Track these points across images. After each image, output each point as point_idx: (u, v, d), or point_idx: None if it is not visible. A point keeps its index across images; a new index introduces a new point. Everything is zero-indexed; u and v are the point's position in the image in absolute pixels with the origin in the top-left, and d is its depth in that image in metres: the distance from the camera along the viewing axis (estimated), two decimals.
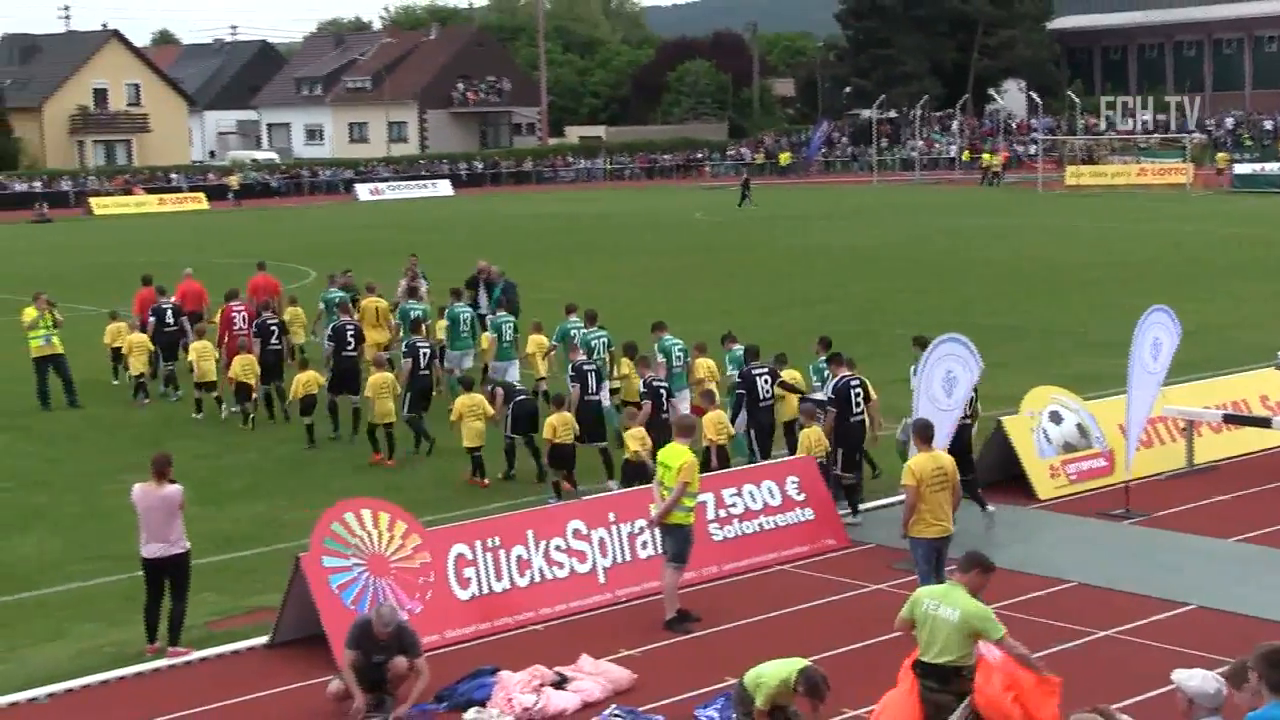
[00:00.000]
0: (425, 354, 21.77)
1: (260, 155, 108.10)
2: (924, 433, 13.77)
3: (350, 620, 12.64)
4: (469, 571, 14.16)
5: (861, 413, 17.45)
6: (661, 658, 13.26)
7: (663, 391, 19.12)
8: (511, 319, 24.04)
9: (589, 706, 12.11)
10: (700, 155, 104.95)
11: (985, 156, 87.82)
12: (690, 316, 33.69)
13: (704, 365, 20.69)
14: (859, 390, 17.49)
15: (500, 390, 20.13)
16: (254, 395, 23.76)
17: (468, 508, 17.72)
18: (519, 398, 19.71)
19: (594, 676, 12.50)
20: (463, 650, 13.46)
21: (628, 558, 15.07)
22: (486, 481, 19.46)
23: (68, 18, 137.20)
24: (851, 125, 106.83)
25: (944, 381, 15.90)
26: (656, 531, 14.50)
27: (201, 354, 24.16)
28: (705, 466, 16.82)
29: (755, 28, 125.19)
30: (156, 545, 13.38)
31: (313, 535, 13.60)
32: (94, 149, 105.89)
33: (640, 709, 11.97)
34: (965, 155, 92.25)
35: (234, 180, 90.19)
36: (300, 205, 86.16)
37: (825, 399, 17.92)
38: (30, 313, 25.63)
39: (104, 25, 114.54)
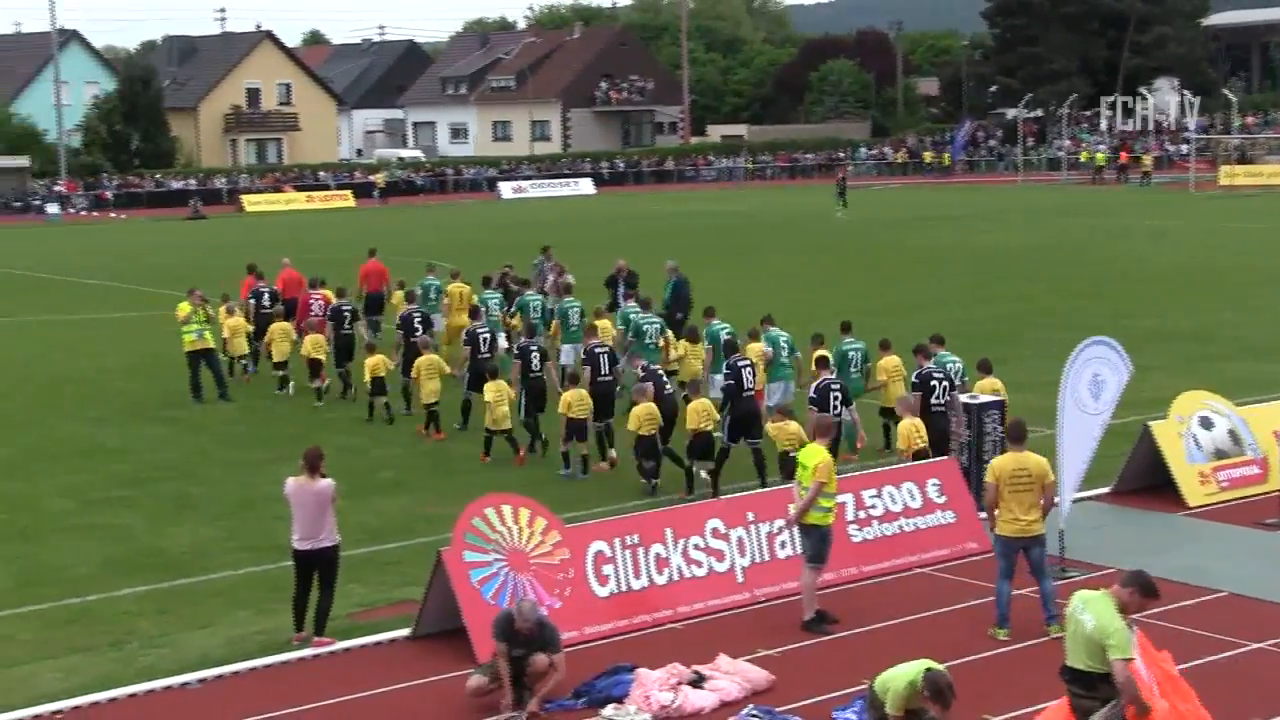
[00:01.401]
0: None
1: (406, 154, 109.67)
2: (1014, 431, 13.87)
3: (490, 614, 12.79)
4: (608, 569, 14.23)
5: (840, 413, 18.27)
6: (799, 658, 13.21)
7: (661, 373, 20.34)
8: (578, 304, 25.18)
9: (726, 706, 12.10)
10: (842, 154, 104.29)
11: (1098, 156, 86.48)
12: (828, 316, 33.51)
13: (755, 350, 21.01)
14: (838, 392, 18.43)
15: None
16: (324, 375, 25.42)
17: (607, 505, 17.81)
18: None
19: (731, 676, 12.49)
20: (601, 647, 13.53)
21: (766, 557, 15.03)
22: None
23: (224, 20, 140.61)
24: (996, 124, 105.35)
25: (1090, 385, 15.65)
26: (795, 531, 14.46)
27: (279, 335, 26.16)
28: (699, 454, 18.56)
29: (900, 26, 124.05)
30: (307, 538, 13.62)
31: (454, 530, 13.77)
32: (246, 147, 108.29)
33: (778, 709, 11.94)
34: (1083, 156, 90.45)
35: (380, 178, 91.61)
36: (444, 203, 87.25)
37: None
38: (184, 308, 26.26)
39: (257, 26, 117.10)
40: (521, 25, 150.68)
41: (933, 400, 18.00)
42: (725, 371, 19.47)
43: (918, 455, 16.92)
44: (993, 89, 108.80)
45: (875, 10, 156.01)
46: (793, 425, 17.83)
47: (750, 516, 15.14)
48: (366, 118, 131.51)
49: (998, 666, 12.90)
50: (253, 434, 23.40)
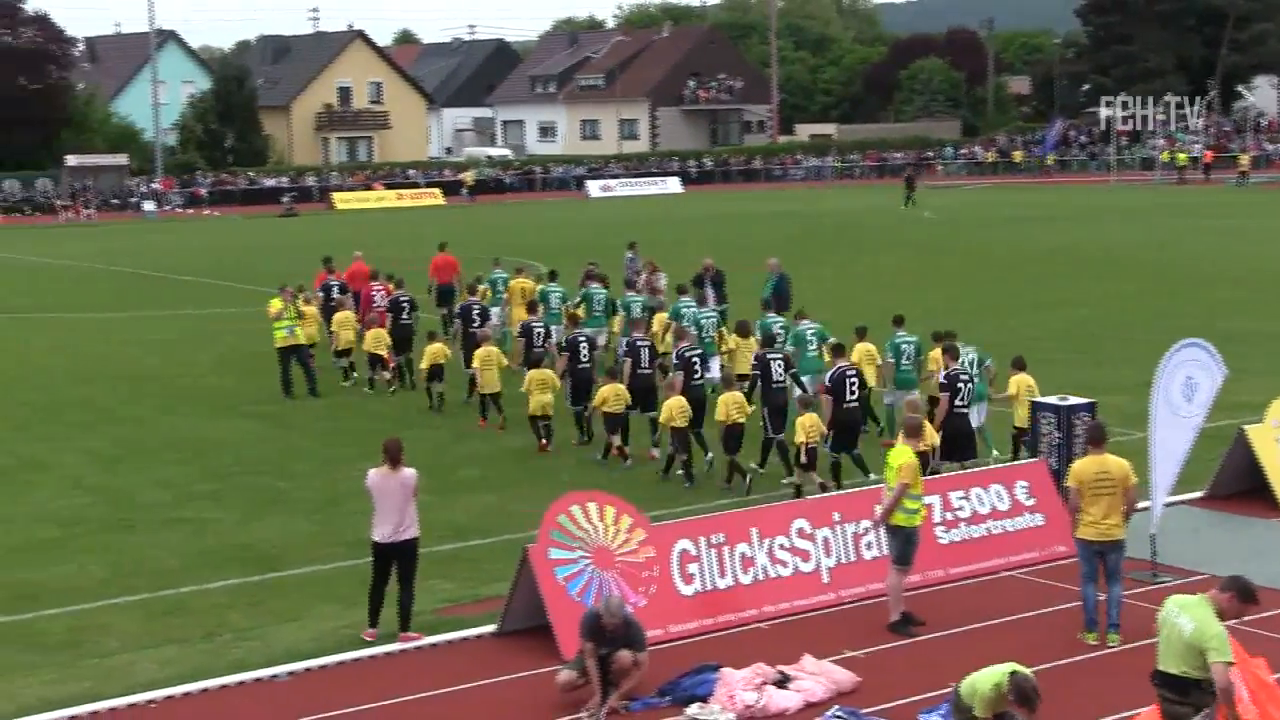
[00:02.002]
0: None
1: (494, 152, 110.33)
2: (1094, 435, 13.74)
3: (575, 611, 12.83)
4: (693, 567, 14.23)
5: (855, 400, 18.78)
6: (885, 660, 13.14)
7: (695, 360, 20.26)
8: (639, 299, 26.01)
9: (811, 707, 12.07)
10: (932, 154, 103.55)
11: (1180, 156, 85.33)
12: (920, 318, 33.33)
13: (861, 350, 21.43)
14: (854, 379, 18.81)
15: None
16: (389, 364, 26.42)
17: (693, 504, 17.81)
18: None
19: (816, 676, 12.45)
20: (685, 646, 13.54)
21: (852, 558, 14.96)
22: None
23: (316, 19, 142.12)
24: (1088, 124, 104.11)
25: (1183, 387, 15.43)
26: (882, 532, 14.40)
27: (341, 324, 27.28)
28: (730, 444, 18.86)
29: (991, 25, 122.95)
30: (389, 528, 13.68)
31: (540, 527, 13.84)
32: (337, 145, 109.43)
33: (863, 711, 11.89)
34: (1164, 156, 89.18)
35: (469, 177, 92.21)
36: (532, 201, 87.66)
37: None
38: (276, 304, 26.60)
39: (349, 26, 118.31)
40: (611, 24, 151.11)
41: (957, 402, 18.05)
42: (753, 364, 20.26)
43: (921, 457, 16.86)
44: (1085, 87, 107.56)
45: (966, 8, 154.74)
46: (811, 418, 18.15)
47: (836, 517, 15.08)
48: (456, 116, 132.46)
49: (1086, 671, 12.76)
50: (342, 430, 23.65)
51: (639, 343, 21.54)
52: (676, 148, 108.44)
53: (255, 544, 17.37)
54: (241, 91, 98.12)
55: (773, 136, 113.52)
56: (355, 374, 27.33)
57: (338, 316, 27.49)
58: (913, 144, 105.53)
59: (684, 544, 14.27)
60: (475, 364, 23.41)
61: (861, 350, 21.34)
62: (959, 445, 18.03)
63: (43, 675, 13.28)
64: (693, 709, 11.99)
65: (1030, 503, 16.15)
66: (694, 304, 24.37)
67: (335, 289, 29.27)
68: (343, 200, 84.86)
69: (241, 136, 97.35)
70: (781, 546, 14.70)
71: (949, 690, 10.99)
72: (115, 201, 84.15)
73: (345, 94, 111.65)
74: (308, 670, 13.24)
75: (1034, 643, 13.29)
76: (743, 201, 79.66)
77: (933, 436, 17.36)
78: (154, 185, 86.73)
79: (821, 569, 14.79)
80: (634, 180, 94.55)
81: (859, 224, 61.37)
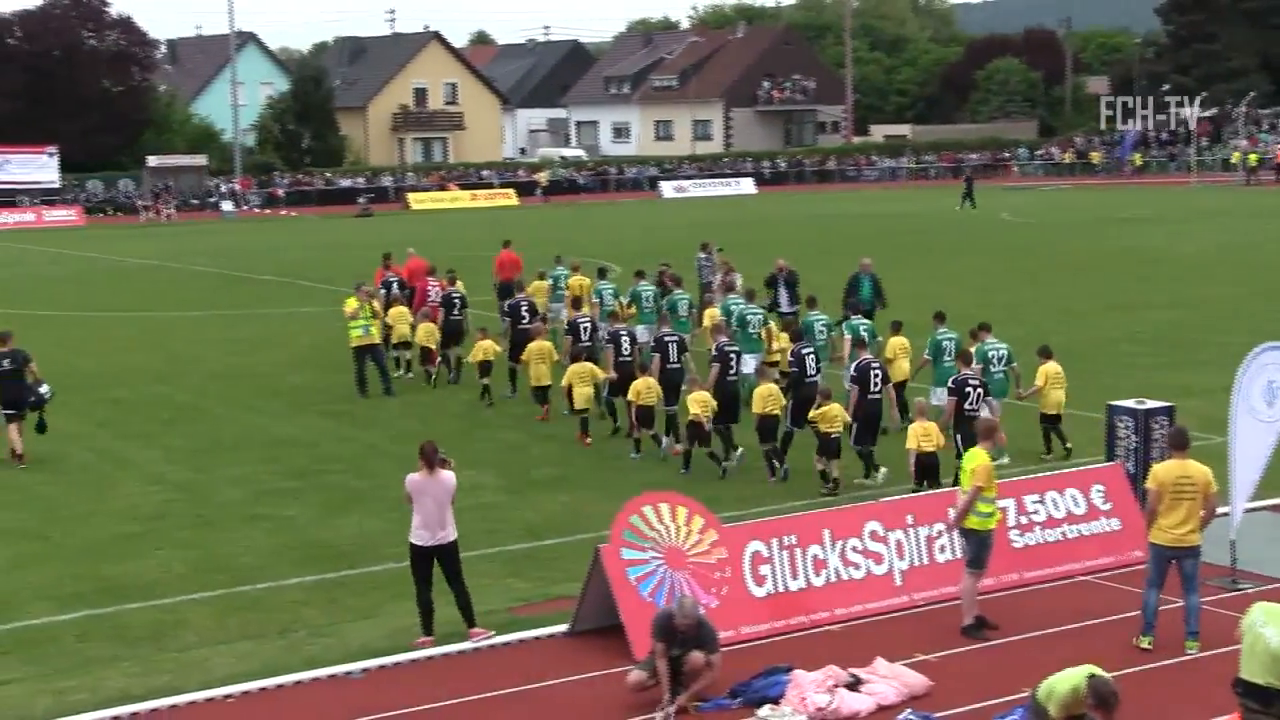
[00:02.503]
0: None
1: (568, 153, 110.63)
2: (1177, 439, 13.61)
3: (647, 612, 12.87)
4: (764, 569, 14.22)
5: (879, 392, 19.46)
6: (958, 664, 13.08)
7: (731, 355, 20.92)
8: (687, 296, 26.62)
9: (883, 710, 12.04)
10: (1007, 154, 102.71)
11: (1251, 157, 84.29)
12: (1002, 319, 33.10)
13: (895, 344, 22.13)
14: (878, 371, 19.46)
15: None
16: (436, 359, 27.28)
17: (765, 505, 17.80)
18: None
19: (889, 680, 12.42)
20: (757, 647, 13.54)
21: (925, 561, 14.90)
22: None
23: (393, 21, 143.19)
24: (1169, 124, 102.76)
25: (1265, 392, 15.22)
26: (956, 536, 14.33)
27: (396, 318, 28.07)
28: (765, 435, 19.54)
29: (1069, 24, 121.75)
30: (429, 531, 13.69)
31: (613, 527, 13.89)
32: (412, 146, 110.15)
33: (935, 715, 11.84)
34: (1234, 157, 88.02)
35: (543, 177, 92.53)
36: (606, 202, 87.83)
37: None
38: (352, 303, 26.83)
39: (425, 27, 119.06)
40: (685, 25, 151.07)
41: (967, 406, 18.40)
42: (790, 359, 20.83)
43: (921, 459, 17.59)
44: (1166, 87, 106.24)
45: (1044, 8, 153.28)
46: (835, 408, 18.92)
47: (909, 519, 15.03)
48: (530, 117, 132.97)
49: (1163, 680, 12.63)
50: (417, 429, 23.73)
51: (667, 338, 22.11)
52: (750, 148, 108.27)
53: (331, 541, 17.54)
54: (319, 92, 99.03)
55: (847, 137, 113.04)
56: (412, 368, 28.07)
57: (392, 311, 28.16)
58: (988, 145, 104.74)
59: (756, 545, 14.27)
60: (525, 356, 24.15)
61: (896, 344, 21.85)
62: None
63: (125, 668, 13.50)
64: (764, 711, 11.99)
65: (1106, 507, 16.01)
66: (743, 301, 24.68)
67: (395, 285, 29.82)
68: (417, 201, 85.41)
69: (318, 137, 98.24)
70: (854, 549, 14.66)
71: (1023, 695, 10.92)
72: (194, 201, 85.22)
73: (421, 95, 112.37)
74: (381, 668, 13.36)
75: (1109, 648, 13.16)
76: (817, 203, 79.42)
77: (930, 444, 17.70)
78: (232, 185, 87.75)
79: (894, 571, 14.74)
80: (707, 181, 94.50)
81: (936, 226, 60.99)
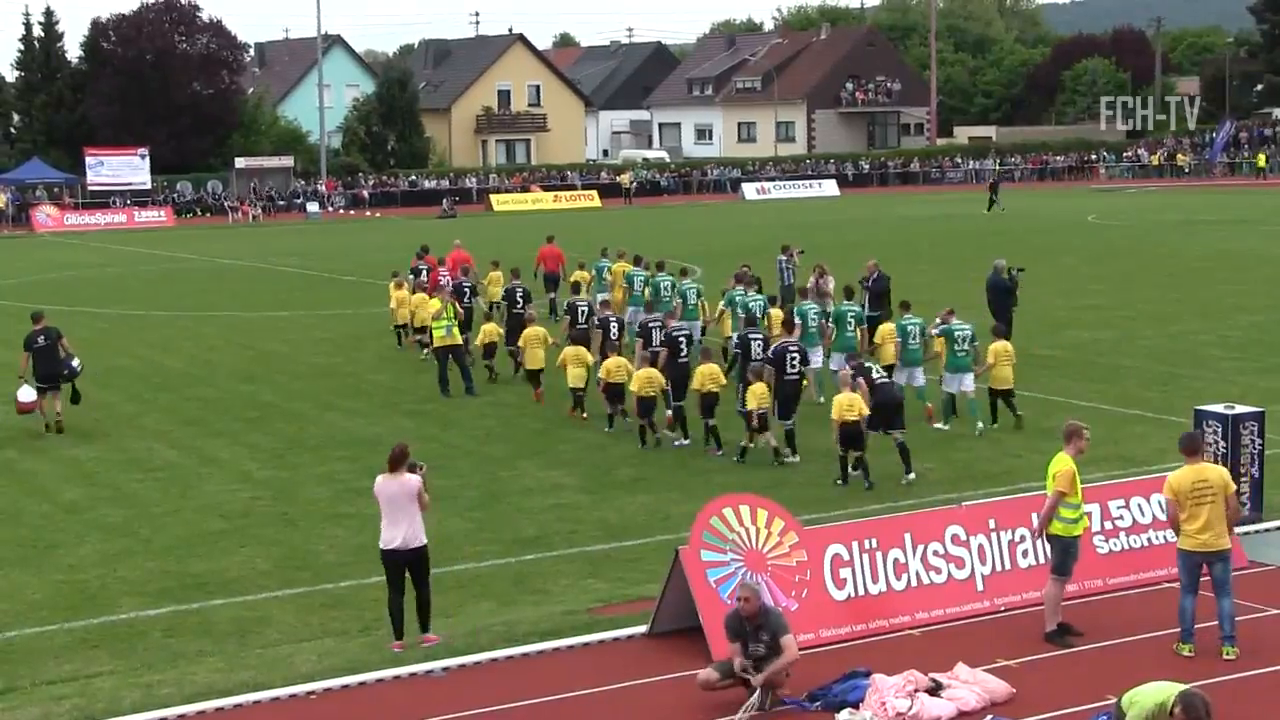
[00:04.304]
0: (794, 358, 21.29)
1: (651, 154, 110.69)
2: (1189, 445, 13.54)
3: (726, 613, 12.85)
4: (845, 572, 14.17)
5: (797, 373, 21.04)
6: (1040, 671, 12.96)
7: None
8: (759, 299, 26.65)
9: (964, 716, 11.95)
10: (1094, 156, 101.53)
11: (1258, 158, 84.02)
12: (1091, 322, 32.87)
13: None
14: (795, 354, 21.01)
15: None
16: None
17: (846, 508, 17.73)
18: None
19: (970, 685, 12.32)
20: (836, 651, 13.49)
21: (1007, 566, 14.77)
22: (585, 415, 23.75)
23: (477, 23, 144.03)
24: (1262, 125, 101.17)
25: None
26: (1040, 541, 14.20)
27: (417, 304, 30.07)
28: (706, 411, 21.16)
29: (1159, 24, 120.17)
30: (398, 536, 13.68)
31: (692, 529, 13.89)
32: (496, 148, 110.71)
33: None
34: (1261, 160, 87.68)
35: (626, 179, 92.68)
36: (688, 204, 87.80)
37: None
38: (435, 304, 27.10)
39: (510, 29, 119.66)
40: (769, 26, 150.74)
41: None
42: (769, 355, 21.70)
43: (847, 426, 18.90)
44: (1258, 87, 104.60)
45: (1132, 8, 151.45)
46: (759, 387, 20.34)
47: (991, 524, 14.91)
48: (613, 119, 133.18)
49: (1250, 690, 12.44)
50: (499, 429, 23.95)
51: (677, 332, 22.97)
52: (833, 150, 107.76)
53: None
54: (404, 94, 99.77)
55: (930, 139, 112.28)
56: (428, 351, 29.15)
57: (415, 297, 30.46)
58: (1073, 146, 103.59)
59: (836, 548, 14.22)
60: (521, 342, 26.14)
61: (998, 350, 22.64)
62: (887, 415, 19.65)
63: (211, 663, 13.69)
64: (844, 715, 11.94)
65: None
66: (743, 290, 26.57)
67: (424, 273, 32.49)
68: (500, 202, 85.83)
69: (403, 139, 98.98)
70: (935, 553, 14.57)
71: (1107, 703, 10.81)
72: (281, 203, 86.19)
73: (504, 97, 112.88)
74: (461, 667, 13.45)
75: (1193, 659, 13.01)
76: (899, 204, 78.92)
77: (864, 407, 19.07)
78: (318, 187, 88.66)
79: (976, 576, 14.63)
80: (790, 183, 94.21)
81: (1022, 227, 60.38)
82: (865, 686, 12.25)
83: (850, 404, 19.17)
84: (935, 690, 12.21)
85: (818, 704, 12.21)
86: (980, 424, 22.24)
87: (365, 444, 22.93)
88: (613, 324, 24.91)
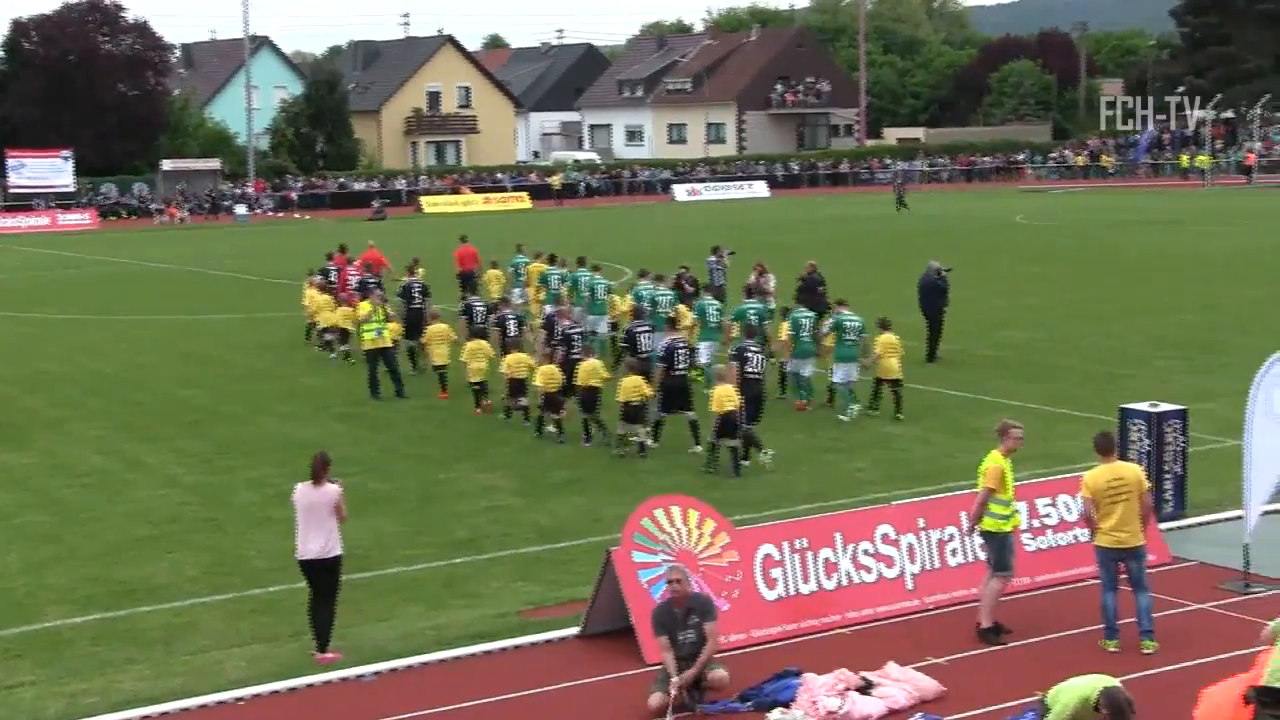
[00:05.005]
0: (681, 354, 21.74)
1: (582, 156, 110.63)
2: (1103, 443, 13.71)
3: None
4: (776, 572, 14.23)
5: (683, 369, 21.66)
6: (969, 668, 13.07)
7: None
8: (716, 302, 27.16)
9: (894, 714, 12.03)
10: (1021, 157, 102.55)
11: (1200, 159, 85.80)
12: (1026, 324, 33.17)
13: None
14: (683, 351, 21.72)
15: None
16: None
17: (777, 508, 17.80)
18: None
19: (900, 683, 12.41)
20: (768, 651, 13.55)
21: (937, 565, 14.89)
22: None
23: (407, 25, 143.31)
24: (1181, 127, 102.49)
25: None
26: (973, 539, 14.32)
27: (321, 305, 31.14)
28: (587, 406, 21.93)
29: (1084, 27, 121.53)
30: (314, 545, 13.59)
31: (624, 530, 13.90)
32: (426, 149, 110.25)
33: (946, 718, 11.83)
34: (1183, 160, 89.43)
35: (556, 180, 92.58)
36: (619, 205, 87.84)
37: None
38: (365, 307, 27.03)
39: (439, 31, 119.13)
40: (699, 28, 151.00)
41: (748, 370, 20.64)
42: (731, 352, 22.18)
43: (726, 416, 19.55)
44: (1180, 90, 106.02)
45: (1058, 10, 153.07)
46: (634, 379, 21.16)
47: (921, 523, 15.02)
48: (544, 120, 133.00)
49: (1175, 684, 12.61)
50: (433, 432, 23.86)
51: (638, 329, 23.88)
52: (763, 151, 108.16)
53: (347, 545, 17.39)
54: (332, 96, 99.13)
55: (860, 140, 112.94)
56: (336, 352, 30.38)
57: (320, 298, 31.26)
58: (1001, 147, 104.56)
59: (767, 548, 14.28)
60: (424, 339, 26.88)
61: (884, 341, 23.57)
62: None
63: (138, 671, 13.55)
64: (774, 714, 11.99)
65: None
66: (652, 286, 27.43)
67: (333, 273, 33.27)
68: (431, 204, 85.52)
69: (332, 140, 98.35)
70: (865, 552, 14.66)
71: (1033, 699, 10.92)
72: (208, 205, 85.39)
73: (434, 98, 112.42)
74: (393, 671, 13.39)
75: (1122, 654, 13.18)
76: (829, 205, 79.33)
77: (732, 403, 19.62)
78: (246, 189, 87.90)
79: (906, 575, 14.74)
80: (721, 184, 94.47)
81: (952, 228, 60.87)
82: (796, 686, 12.31)
83: (728, 396, 19.72)
84: (866, 689, 12.28)
85: (749, 704, 12.25)
86: (854, 406, 23.30)
87: (297, 448, 22.70)
88: (510, 321, 25.62)
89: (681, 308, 26.60)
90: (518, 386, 23.51)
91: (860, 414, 23.27)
